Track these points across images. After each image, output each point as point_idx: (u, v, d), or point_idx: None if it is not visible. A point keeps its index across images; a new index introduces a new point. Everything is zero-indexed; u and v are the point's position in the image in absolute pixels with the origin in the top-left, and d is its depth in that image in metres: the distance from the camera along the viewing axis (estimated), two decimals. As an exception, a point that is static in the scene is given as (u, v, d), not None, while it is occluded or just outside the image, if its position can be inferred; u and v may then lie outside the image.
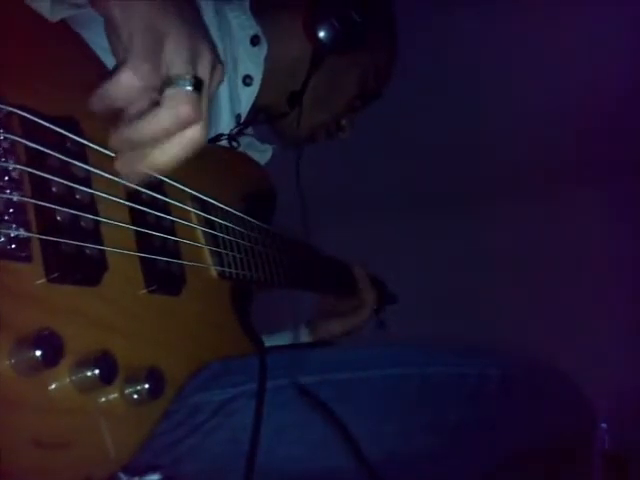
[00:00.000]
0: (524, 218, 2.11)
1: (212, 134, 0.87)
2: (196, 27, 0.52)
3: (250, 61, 0.90)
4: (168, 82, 0.49)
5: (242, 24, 0.89)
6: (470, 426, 0.61)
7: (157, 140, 0.50)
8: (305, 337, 1.09)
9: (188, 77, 0.49)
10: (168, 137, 0.50)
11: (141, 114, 0.50)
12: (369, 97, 1.00)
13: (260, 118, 0.97)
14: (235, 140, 0.91)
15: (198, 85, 0.50)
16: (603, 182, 2.04)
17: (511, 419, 0.63)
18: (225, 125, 0.90)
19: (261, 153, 1.01)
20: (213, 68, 0.53)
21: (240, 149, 0.92)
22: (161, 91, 0.49)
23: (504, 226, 2.11)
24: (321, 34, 0.87)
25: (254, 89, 0.91)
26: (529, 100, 1.79)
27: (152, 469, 0.49)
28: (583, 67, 1.72)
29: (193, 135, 0.51)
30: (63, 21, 0.55)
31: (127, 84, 0.49)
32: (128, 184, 0.53)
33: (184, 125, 0.50)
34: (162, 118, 0.49)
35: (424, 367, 0.62)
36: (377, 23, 0.94)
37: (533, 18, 1.60)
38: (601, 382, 1.07)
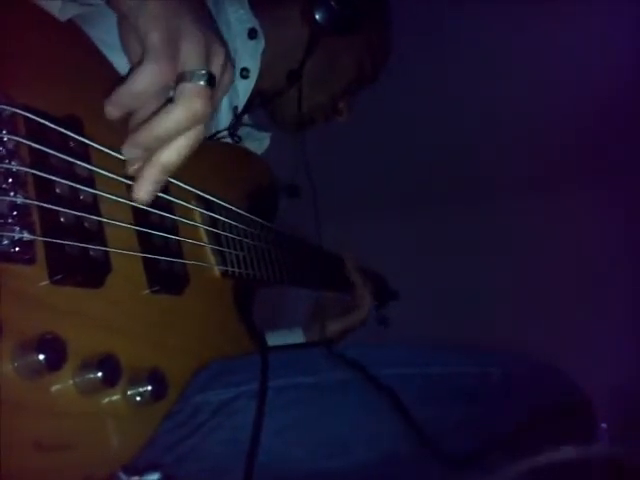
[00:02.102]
0: (524, 217, 2.11)
1: (212, 130, 0.88)
2: (209, 26, 0.53)
3: (247, 54, 0.90)
4: (182, 77, 0.50)
5: (240, 18, 0.89)
6: (471, 425, 0.61)
7: (168, 138, 0.50)
8: (299, 338, 1.08)
9: (203, 72, 0.50)
10: (177, 135, 0.50)
11: (154, 114, 0.50)
12: (366, 80, 1.01)
13: (256, 102, 0.97)
14: (236, 135, 0.91)
15: (212, 81, 0.50)
16: (603, 182, 2.04)
17: (512, 418, 0.63)
18: (224, 119, 0.90)
19: (259, 141, 1.01)
20: (225, 67, 0.53)
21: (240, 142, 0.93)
22: (175, 87, 0.50)
23: (504, 226, 2.11)
24: (318, 16, 0.87)
25: (251, 82, 0.91)
26: (530, 98, 1.79)
27: (151, 468, 0.49)
28: (584, 66, 1.71)
29: (198, 133, 0.51)
30: (69, 18, 0.55)
31: (148, 80, 0.49)
32: (141, 201, 0.52)
33: (197, 120, 0.50)
34: (176, 113, 0.49)
35: (424, 367, 0.62)
36: (373, 5, 0.94)
37: (533, 17, 1.60)
38: (601, 382, 1.07)
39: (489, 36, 1.63)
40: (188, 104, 0.49)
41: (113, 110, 0.51)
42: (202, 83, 0.50)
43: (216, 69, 0.52)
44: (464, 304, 1.98)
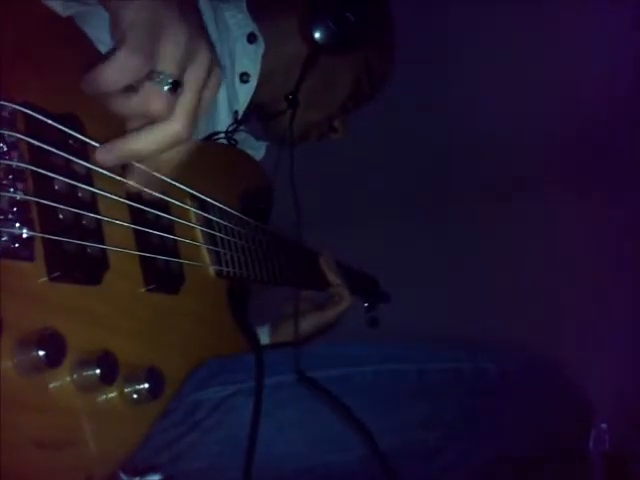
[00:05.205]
0: (524, 218, 2.11)
1: (210, 131, 0.88)
2: (197, 28, 0.53)
3: (247, 58, 0.91)
4: (150, 75, 0.50)
5: (238, 22, 0.90)
6: (468, 421, 0.61)
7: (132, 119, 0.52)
8: (265, 337, 1.04)
9: (167, 75, 0.50)
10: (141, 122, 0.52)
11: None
12: (362, 99, 1.01)
13: (254, 116, 0.98)
14: (233, 138, 0.92)
15: (175, 87, 0.50)
16: (604, 182, 2.04)
17: (509, 414, 0.63)
18: (223, 122, 0.90)
19: (255, 150, 1.02)
20: (210, 70, 0.53)
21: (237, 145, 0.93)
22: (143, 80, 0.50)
23: (503, 226, 2.11)
24: (316, 34, 0.87)
25: (251, 86, 0.91)
26: (529, 101, 1.79)
27: (152, 469, 0.49)
28: (584, 67, 1.72)
29: (170, 130, 0.51)
30: (66, 17, 0.55)
31: (115, 71, 0.48)
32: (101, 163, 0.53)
33: (153, 118, 0.51)
34: (133, 104, 0.51)
35: (420, 363, 0.62)
36: (373, 25, 0.94)
37: (533, 17, 1.60)
38: (601, 382, 1.07)
39: (488, 37, 1.63)
40: (145, 102, 0.50)
41: (87, 89, 0.50)
42: (165, 88, 0.50)
43: (198, 71, 0.52)
44: (464, 305, 1.98)
